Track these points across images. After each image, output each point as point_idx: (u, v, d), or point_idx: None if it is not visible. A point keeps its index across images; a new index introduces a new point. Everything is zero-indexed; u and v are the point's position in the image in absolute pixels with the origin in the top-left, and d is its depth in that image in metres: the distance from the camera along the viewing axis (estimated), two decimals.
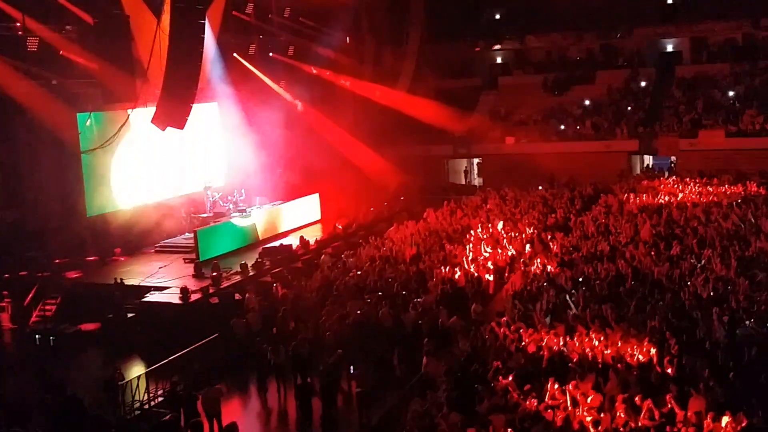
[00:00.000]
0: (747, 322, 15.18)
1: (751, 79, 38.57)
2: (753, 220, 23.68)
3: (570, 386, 12.69)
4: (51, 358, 18.75)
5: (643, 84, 41.32)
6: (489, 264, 21.56)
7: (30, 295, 21.55)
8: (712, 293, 17.10)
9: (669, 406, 11.83)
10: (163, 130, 21.04)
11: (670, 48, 43.05)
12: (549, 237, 24.26)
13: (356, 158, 34.88)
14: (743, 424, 11.20)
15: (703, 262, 19.67)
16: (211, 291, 21.48)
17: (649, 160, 38.57)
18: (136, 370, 17.18)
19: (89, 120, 24.85)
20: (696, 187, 30.29)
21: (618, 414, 11.88)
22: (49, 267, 23.36)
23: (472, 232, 25.31)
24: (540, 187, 33.31)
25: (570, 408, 12.21)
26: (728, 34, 41.50)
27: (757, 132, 34.93)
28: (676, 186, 31.03)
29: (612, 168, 35.66)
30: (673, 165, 37.00)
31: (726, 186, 30.11)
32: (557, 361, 14.10)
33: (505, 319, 16.58)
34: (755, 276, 18.15)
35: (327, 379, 15.36)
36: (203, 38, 20.16)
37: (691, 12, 41.37)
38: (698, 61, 41.67)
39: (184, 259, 25.03)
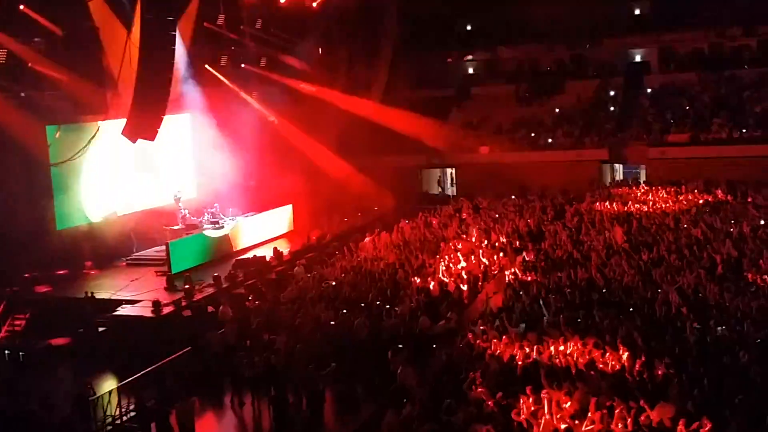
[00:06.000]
0: (718, 329, 15.36)
1: (718, 88, 39.22)
2: (721, 227, 24.04)
3: (544, 394, 12.75)
4: (21, 374, 18.45)
5: (612, 93, 41.85)
6: (463, 273, 21.62)
7: None
8: (682, 300, 17.29)
9: (641, 413, 11.91)
10: (134, 142, 20.88)
11: (638, 58, 43.68)
12: (522, 246, 24.41)
13: (329, 169, 34.86)
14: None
15: (673, 269, 19.88)
16: (183, 304, 21.32)
17: (619, 168, 39.01)
18: (108, 384, 16.94)
19: (58, 132, 24.59)
20: (665, 195, 30.73)
21: (591, 421, 11.95)
22: (18, 281, 23.03)
23: (446, 241, 25.40)
24: (513, 197, 33.52)
25: (545, 416, 12.25)
26: (695, 44, 42.24)
27: (725, 140, 35.52)
28: (646, 194, 31.43)
29: (583, 177, 36.01)
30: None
31: (695, 193, 30.53)
32: (531, 369, 14.16)
33: (479, 328, 16.64)
34: (725, 283, 18.41)
35: (304, 392, 15.30)
36: (174, 49, 20.04)
37: (659, 22, 42.06)
38: (666, 70, 42.32)
39: (156, 271, 24.80)
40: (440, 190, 41.81)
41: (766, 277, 18.57)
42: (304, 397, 15.37)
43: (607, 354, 14.38)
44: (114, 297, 22.22)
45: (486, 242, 24.90)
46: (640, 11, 43.77)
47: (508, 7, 42.55)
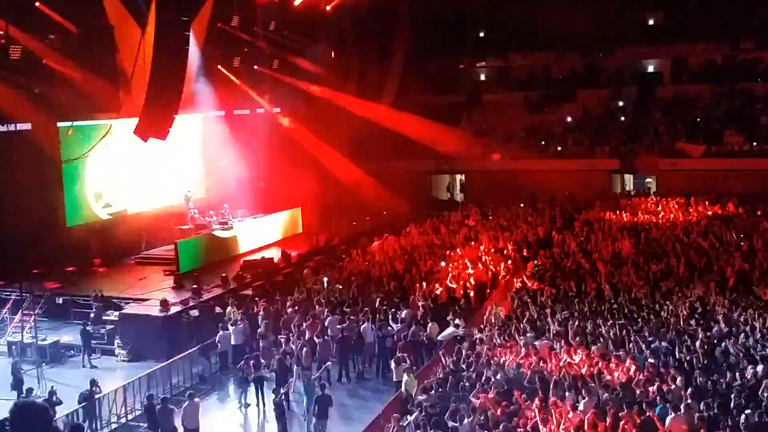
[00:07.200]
0: (726, 342, 15.29)
1: (731, 100, 39.11)
2: (731, 240, 23.96)
3: (550, 404, 12.73)
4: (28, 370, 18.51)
5: (624, 104, 41.77)
6: (471, 280, 21.60)
7: (7, 306, 21.28)
8: (691, 313, 17.22)
9: (647, 424, 11.87)
10: (146, 140, 20.95)
11: (651, 68, 43.60)
12: (530, 254, 24.37)
13: (339, 172, 34.91)
14: None
15: (682, 281, 19.81)
16: (191, 303, 21.33)
17: (629, 178, 38.93)
18: (115, 382, 17.00)
19: (71, 129, 24.70)
20: (675, 206, 30.64)
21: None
22: (28, 277, 23.09)
23: (453, 248, 25.39)
24: (522, 204, 33.48)
25: (550, 426, 12.22)
26: (708, 56, 42.15)
27: (736, 153, 35.42)
28: (656, 205, 31.34)
29: (593, 186, 35.96)
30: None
31: (705, 205, 30.42)
32: (538, 378, 14.12)
33: (486, 335, 16.62)
34: (734, 296, 18.34)
35: (310, 394, 15.31)
36: (187, 50, 20.12)
37: (672, 33, 41.98)
38: (679, 81, 42.22)
39: (164, 270, 24.85)
40: (449, 196, 41.79)
41: None
42: (309, 399, 15.37)
43: (614, 364, 14.34)
44: (122, 295, 22.28)
45: (494, 249, 24.85)
46: (654, 22, 43.68)
47: (521, 15, 42.46)
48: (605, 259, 22.56)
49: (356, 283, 21.64)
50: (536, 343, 15.83)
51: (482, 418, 12.65)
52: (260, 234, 28.90)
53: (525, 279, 21.46)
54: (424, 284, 21.11)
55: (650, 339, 15.71)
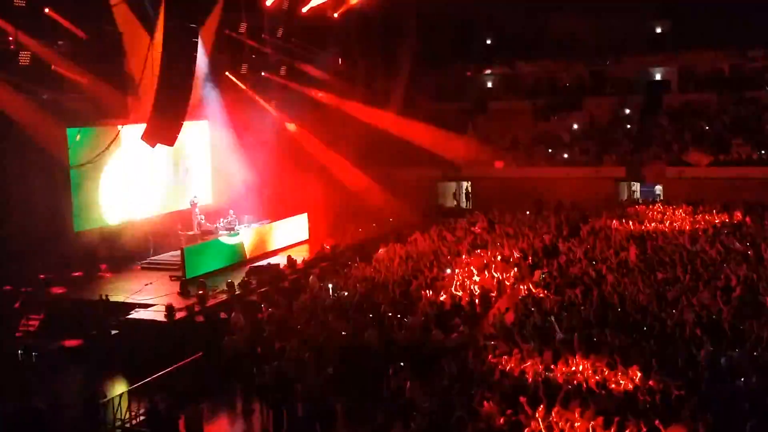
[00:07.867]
0: (732, 351, 15.22)
1: (738, 109, 39.03)
2: (738, 249, 23.85)
3: (555, 412, 12.68)
4: (33, 374, 18.57)
5: (631, 112, 41.73)
6: (476, 287, 21.56)
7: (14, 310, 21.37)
8: (697, 321, 17.14)
9: None
10: (153, 146, 21.03)
11: (658, 77, 43.54)
12: (536, 261, 24.32)
13: (346, 178, 34.98)
14: None
15: (688, 289, 19.72)
16: (196, 309, 21.36)
17: (636, 187, 38.87)
18: (119, 388, 17.04)
19: (79, 135, 24.83)
20: (682, 215, 30.55)
21: None
22: (34, 282, 23.20)
23: (459, 255, 25.36)
24: (527, 212, 33.43)
25: None
26: (716, 64, 42.09)
27: (743, 161, 35.34)
28: (662, 213, 31.25)
29: (600, 194, 35.89)
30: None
31: (712, 214, 30.32)
32: (543, 386, 14.08)
33: (491, 342, 16.58)
34: (740, 305, 18.24)
35: (313, 401, 15.28)
36: (195, 56, 20.20)
37: (680, 41, 41.95)
38: (686, 90, 42.15)
39: (170, 276, 24.92)
40: (455, 203, 41.79)
41: None
42: (312, 406, 15.34)
43: (620, 373, 14.29)
44: (128, 300, 22.34)
45: (500, 257, 24.82)
46: (661, 30, 43.66)
47: (528, 23, 42.57)
48: (611, 267, 22.48)
49: (361, 290, 21.62)
50: (541, 350, 15.77)
51: (486, 425, 12.62)
52: (267, 240, 28.96)
53: (531, 286, 21.40)
54: (430, 291, 21.08)
55: (655, 347, 15.65)
